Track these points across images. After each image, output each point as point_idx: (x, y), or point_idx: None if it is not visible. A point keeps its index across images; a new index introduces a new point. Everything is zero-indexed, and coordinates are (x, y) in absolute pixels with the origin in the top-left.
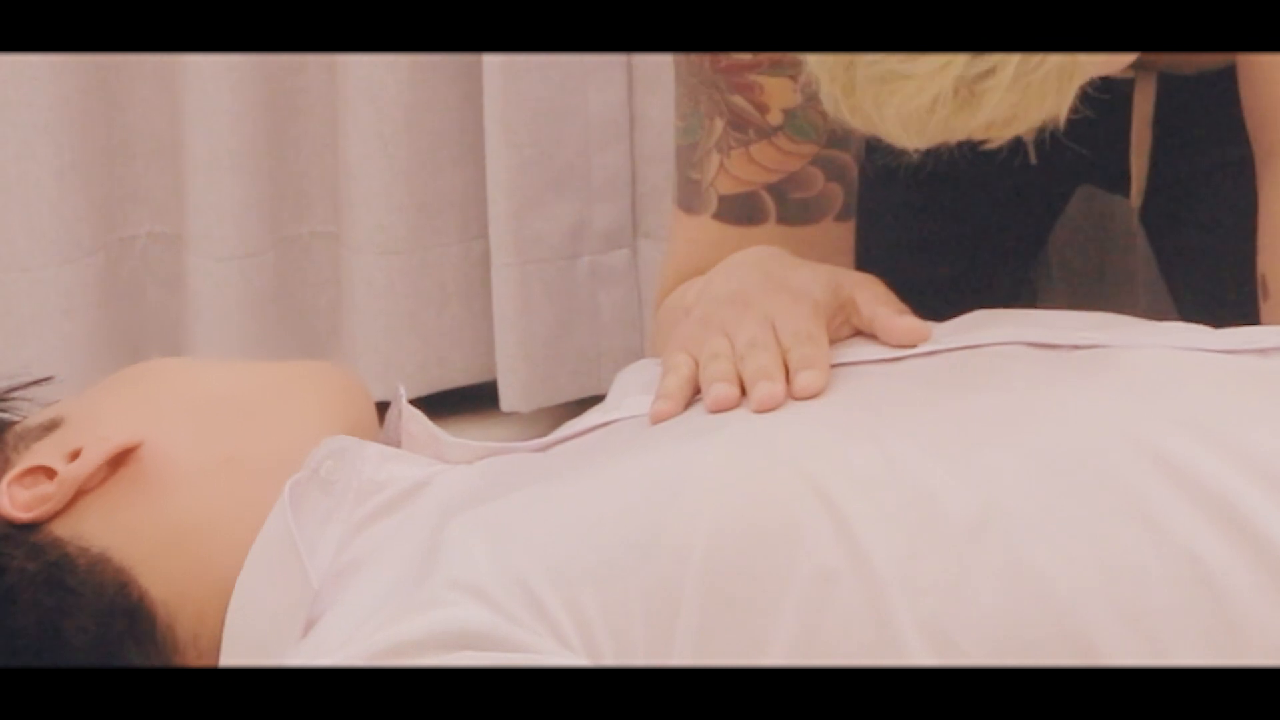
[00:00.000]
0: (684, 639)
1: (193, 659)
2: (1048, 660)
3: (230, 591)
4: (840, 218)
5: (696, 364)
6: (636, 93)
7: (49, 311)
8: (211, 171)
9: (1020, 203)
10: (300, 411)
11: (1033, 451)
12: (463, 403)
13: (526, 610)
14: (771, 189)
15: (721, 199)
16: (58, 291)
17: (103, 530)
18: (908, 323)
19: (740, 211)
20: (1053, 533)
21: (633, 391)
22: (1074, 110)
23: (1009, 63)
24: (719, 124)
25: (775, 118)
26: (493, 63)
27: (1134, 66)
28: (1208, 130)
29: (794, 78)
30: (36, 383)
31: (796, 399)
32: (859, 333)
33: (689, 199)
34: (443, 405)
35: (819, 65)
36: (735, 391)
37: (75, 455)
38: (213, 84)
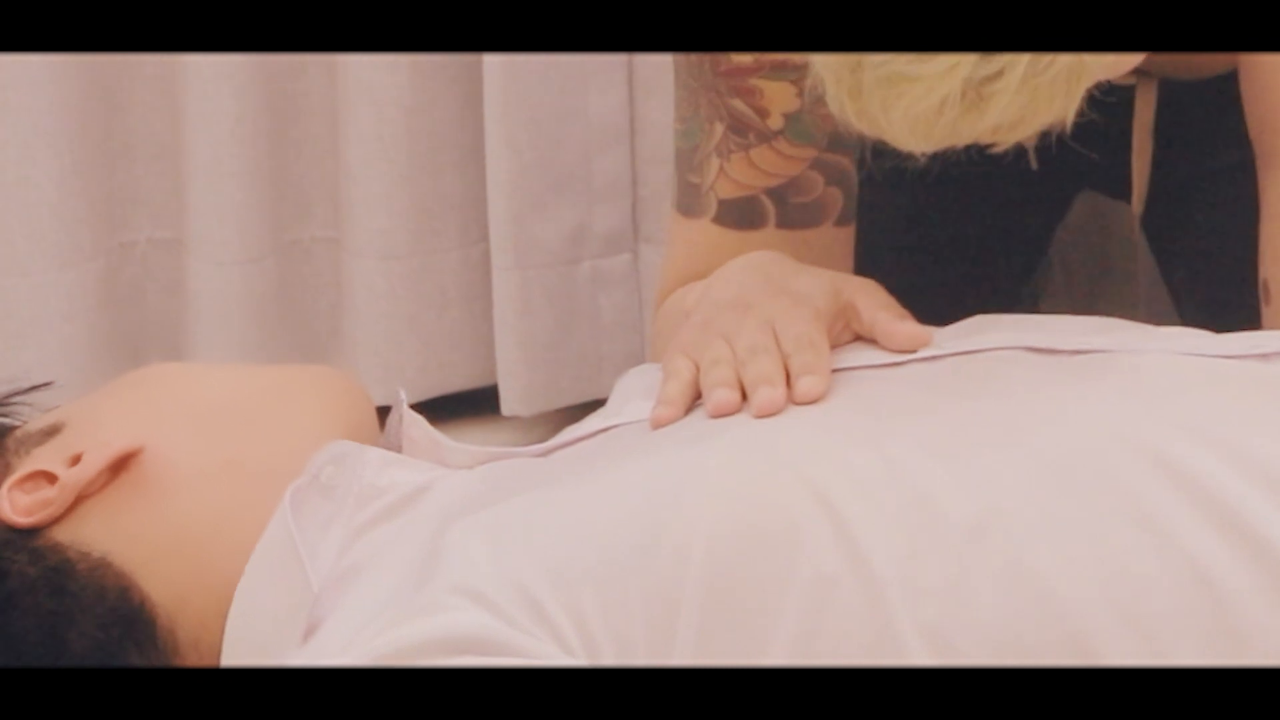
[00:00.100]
0: (684, 641)
1: (193, 663)
2: (1048, 663)
3: (231, 596)
4: (840, 222)
5: (697, 369)
6: (637, 96)
7: (49, 316)
8: (212, 176)
9: (1022, 208)
10: (301, 416)
11: (1033, 454)
12: (463, 407)
13: (527, 614)
14: (771, 193)
15: (721, 203)
16: (58, 296)
17: (104, 535)
18: (908, 328)
19: (740, 216)
20: (1053, 536)
21: (634, 397)
22: (1077, 115)
23: (1017, 65)
24: (719, 128)
25: (775, 122)
26: (493, 66)
27: (1136, 72)
28: (1209, 135)
29: (794, 82)
30: (37, 388)
31: (797, 404)
32: (859, 338)
33: (688, 203)
34: (444, 410)
35: (825, 68)
36: (736, 396)
37: (76, 460)
38: (213, 88)
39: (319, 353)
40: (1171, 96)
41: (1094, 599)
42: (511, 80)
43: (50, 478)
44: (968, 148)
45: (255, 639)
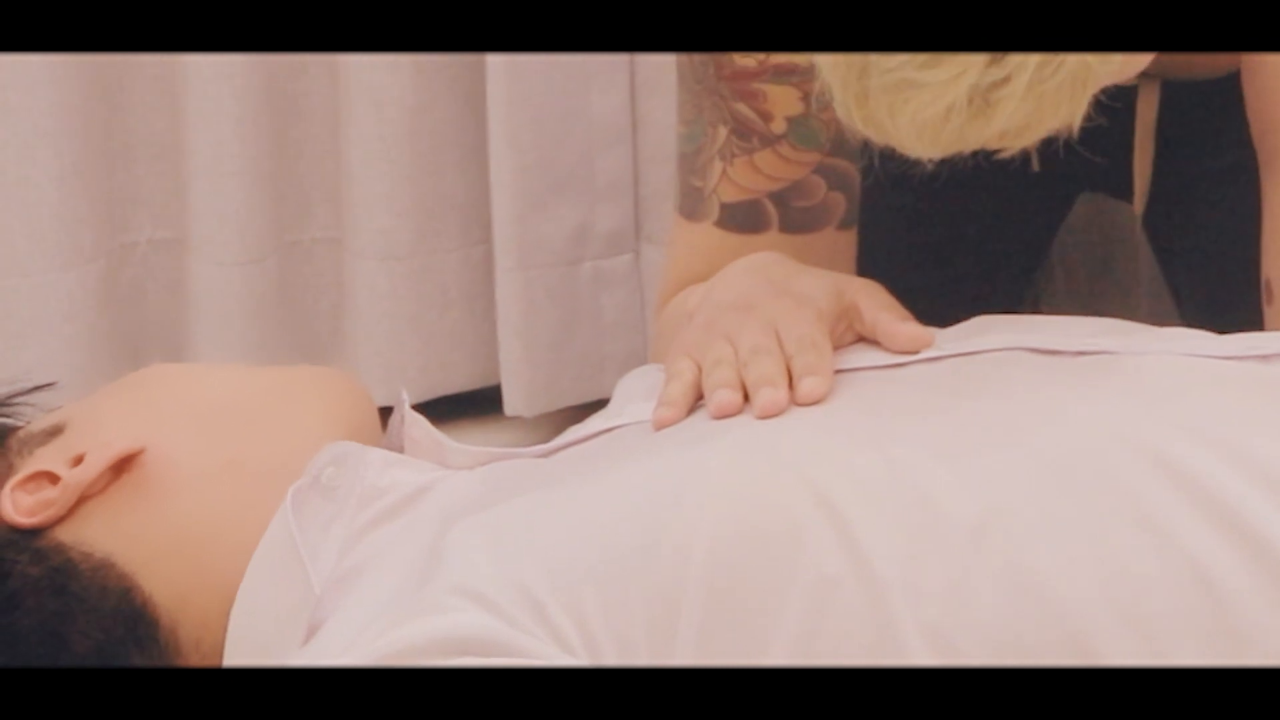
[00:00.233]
0: (685, 642)
1: (195, 663)
2: (1048, 663)
3: (233, 596)
4: (842, 226)
5: (699, 370)
6: (639, 96)
7: (50, 317)
8: (213, 177)
9: (1024, 209)
10: (303, 417)
11: (1033, 455)
12: (466, 407)
13: (528, 615)
14: (774, 197)
15: (724, 206)
16: (59, 297)
17: (106, 535)
18: (910, 329)
19: (742, 219)
20: (1054, 536)
21: (636, 397)
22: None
23: (1023, 71)
24: (722, 131)
25: (779, 126)
26: (495, 66)
27: (1138, 73)
28: (1210, 136)
29: (798, 86)
30: (39, 388)
31: (800, 405)
32: (862, 338)
33: (691, 206)
34: (445, 410)
35: (832, 74)
36: (738, 398)
37: (78, 460)
38: (214, 88)
39: (320, 353)
40: (1174, 97)
41: (1094, 599)
42: (514, 80)
43: (52, 478)
44: (973, 151)
45: (257, 639)
